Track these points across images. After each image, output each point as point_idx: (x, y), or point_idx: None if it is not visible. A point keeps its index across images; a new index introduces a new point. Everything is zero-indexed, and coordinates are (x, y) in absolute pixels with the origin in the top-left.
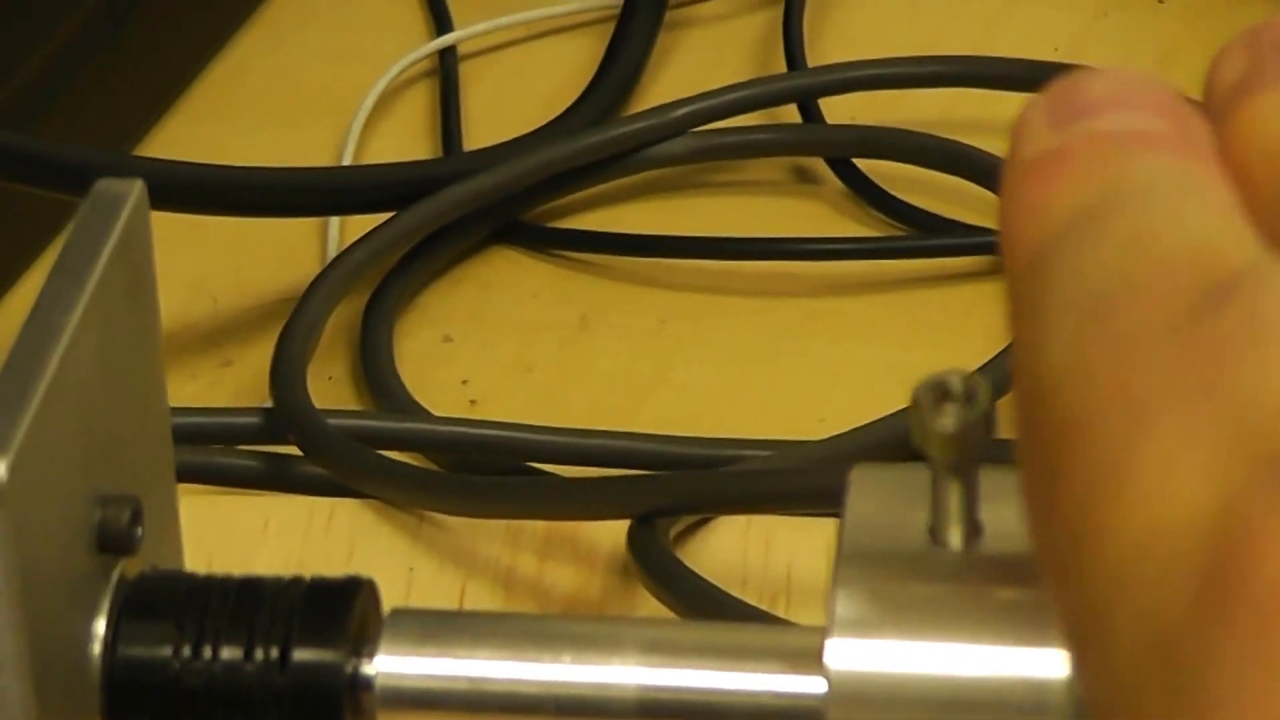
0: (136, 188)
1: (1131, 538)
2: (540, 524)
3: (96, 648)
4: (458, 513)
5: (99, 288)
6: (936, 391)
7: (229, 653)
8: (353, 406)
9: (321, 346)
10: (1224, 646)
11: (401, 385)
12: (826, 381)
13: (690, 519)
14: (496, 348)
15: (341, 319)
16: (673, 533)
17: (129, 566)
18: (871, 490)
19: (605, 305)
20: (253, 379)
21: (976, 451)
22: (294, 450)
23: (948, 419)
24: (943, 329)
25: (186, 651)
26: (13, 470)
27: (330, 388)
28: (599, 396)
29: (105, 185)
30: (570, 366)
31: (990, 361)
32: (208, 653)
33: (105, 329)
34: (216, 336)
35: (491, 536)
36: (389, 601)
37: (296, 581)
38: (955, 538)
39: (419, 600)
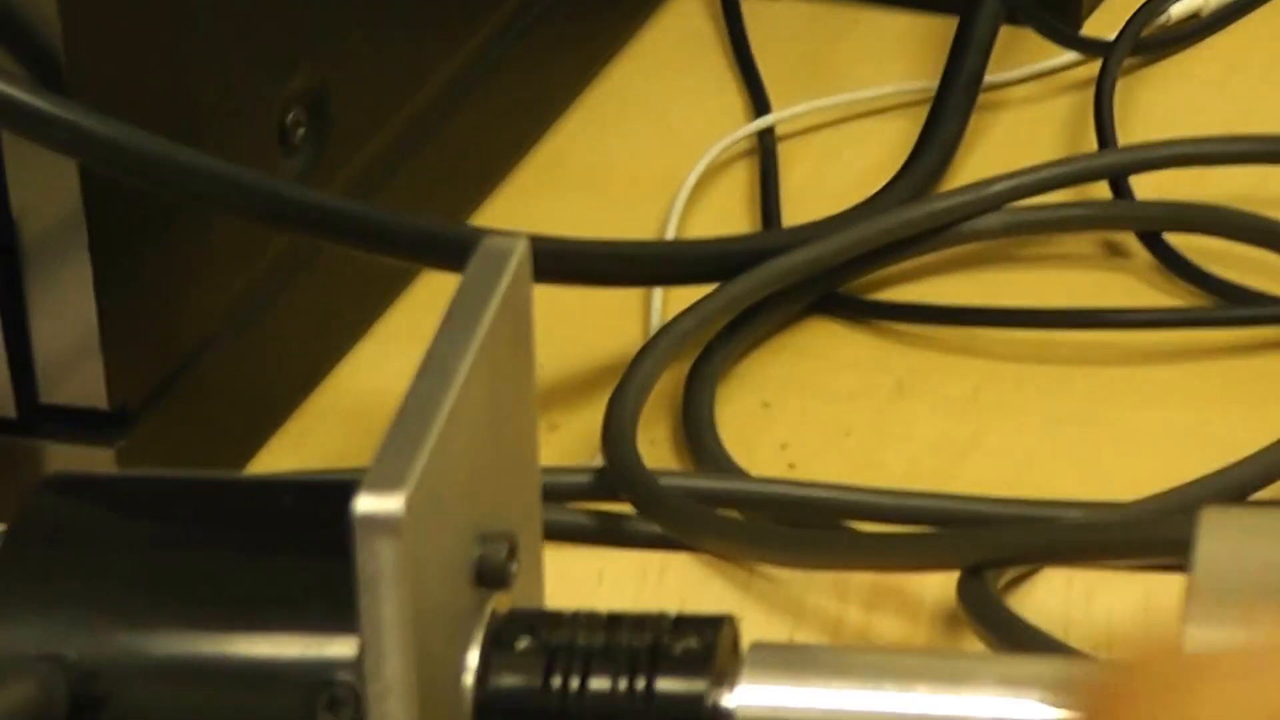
0: (521, 244)
1: None
2: (867, 576)
3: (469, 678)
4: (788, 565)
5: (488, 335)
6: None
7: (596, 683)
8: (676, 468)
9: (646, 411)
10: None
11: (722, 448)
12: (1137, 446)
13: (1013, 573)
14: (814, 413)
15: (664, 386)
16: (999, 584)
17: (500, 601)
18: (1222, 530)
19: (921, 373)
20: (577, 443)
21: None
22: (623, 508)
23: None
24: (1250, 396)
25: (555, 681)
26: (410, 506)
27: (654, 450)
28: (914, 460)
29: (493, 241)
30: (886, 432)
31: None
32: (575, 684)
33: (491, 374)
34: (543, 402)
35: (820, 588)
36: None
37: (660, 617)
38: None
39: None
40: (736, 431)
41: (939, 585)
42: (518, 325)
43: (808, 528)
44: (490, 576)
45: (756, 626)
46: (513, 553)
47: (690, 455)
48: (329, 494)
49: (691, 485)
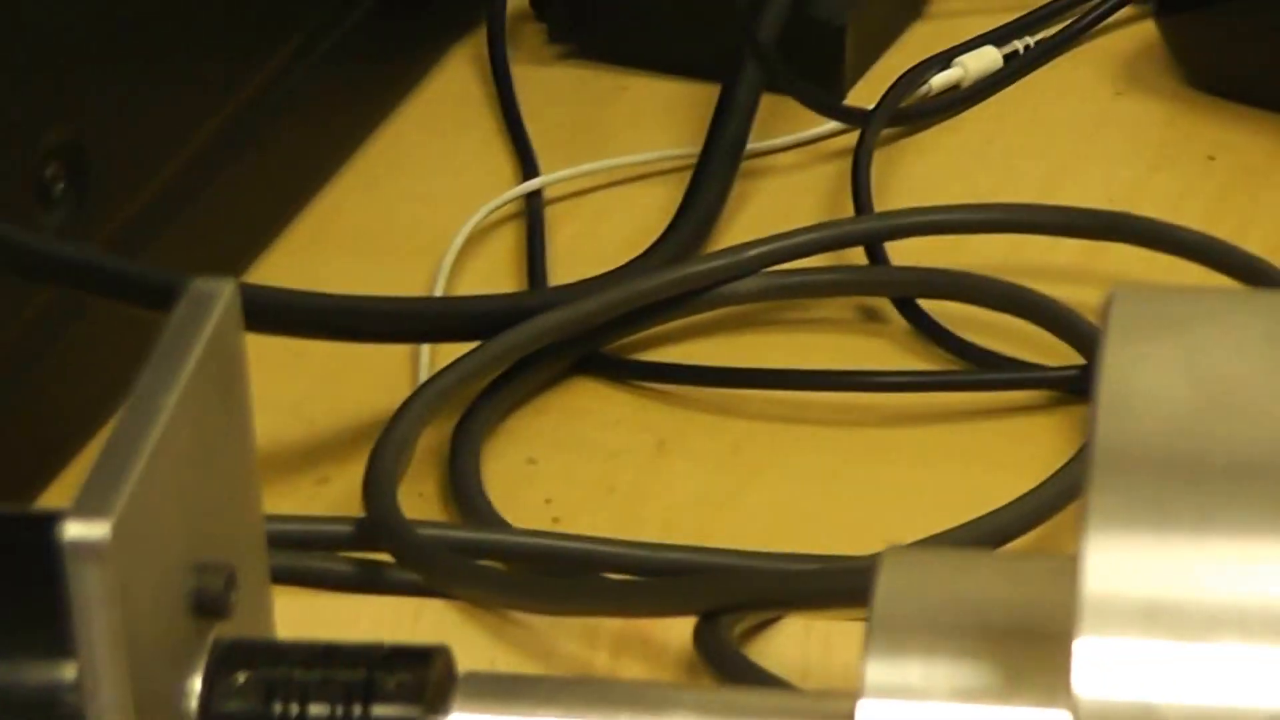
0: (229, 287)
1: None
2: (615, 622)
3: (193, 705)
4: (537, 611)
5: (194, 374)
6: None
7: (315, 709)
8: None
9: (413, 467)
10: None
11: (488, 502)
12: (889, 502)
13: (754, 620)
14: (578, 470)
15: (432, 442)
16: (737, 631)
17: (223, 631)
18: (901, 567)
19: (682, 432)
20: (347, 496)
21: None
22: (384, 557)
23: None
24: (999, 457)
25: (275, 708)
26: (115, 532)
27: (420, 504)
28: (675, 516)
29: (200, 284)
30: (648, 488)
31: (1034, 490)
32: (295, 710)
33: (200, 411)
34: (313, 456)
35: (569, 634)
36: None
37: (377, 646)
38: None
39: None
40: (502, 487)
41: (683, 631)
42: (226, 365)
43: (559, 576)
44: (208, 606)
45: (509, 669)
46: (231, 583)
47: (456, 510)
48: (48, 525)
49: (451, 536)
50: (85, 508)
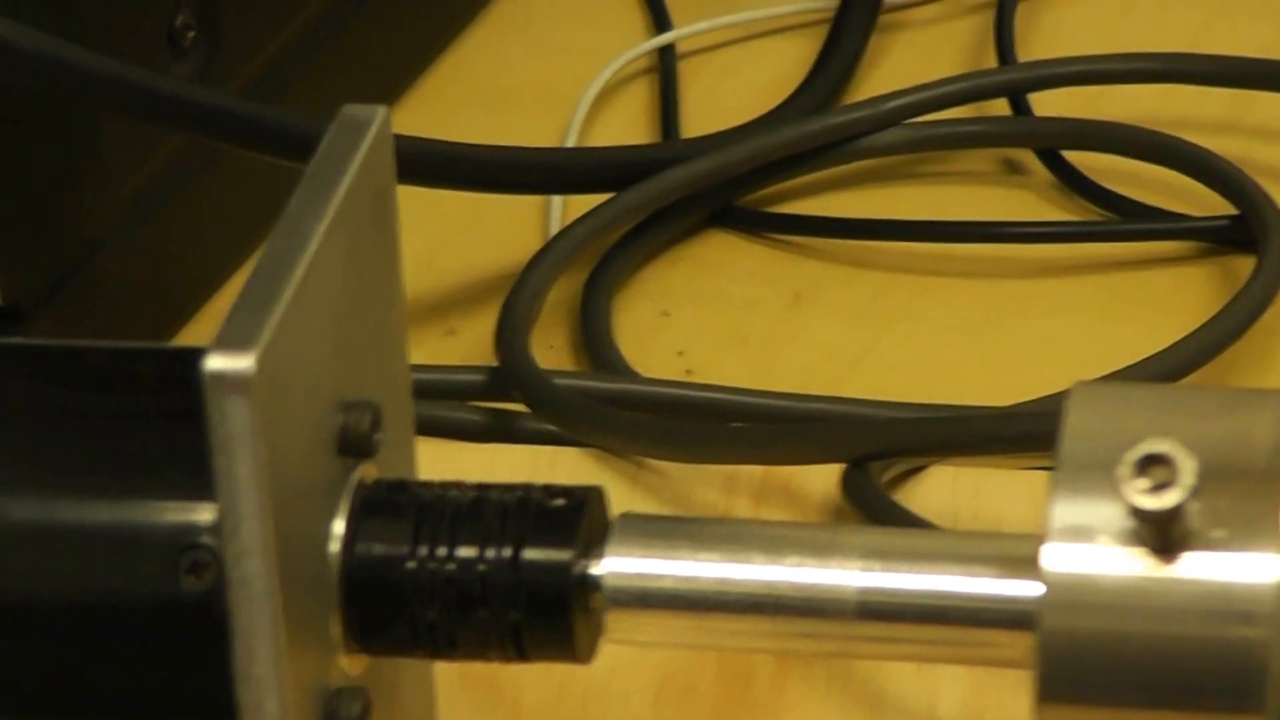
0: (381, 113)
1: None
2: (756, 470)
3: (335, 546)
4: (676, 459)
5: (345, 202)
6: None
7: (463, 551)
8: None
9: (544, 318)
10: None
11: (619, 354)
12: (1030, 356)
13: (900, 468)
14: (712, 322)
15: (563, 294)
16: (884, 479)
17: (367, 471)
18: (1090, 405)
19: (818, 284)
20: (475, 347)
21: None
22: (516, 406)
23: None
24: (1142, 310)
25: (422, 550)
26: (261, 365)
27: (551, 356)
28: (810, 367)
29: (351, 110)
30: (783, 340)
31: (1183, 340)
32: (442, 551)
33: (350, 242)
34: (442, 308)
35: (708, 482)
36: None
37: (529, 487)
38: None
39: None
40: (634, 339)
41: (825, 479)
42: (378, 195)
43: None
44: (353, 445)
45: None
46: (376, 422)
47: (588, 361)
48: (189, 360)
49: (584, 385)
50: (229, 339)
